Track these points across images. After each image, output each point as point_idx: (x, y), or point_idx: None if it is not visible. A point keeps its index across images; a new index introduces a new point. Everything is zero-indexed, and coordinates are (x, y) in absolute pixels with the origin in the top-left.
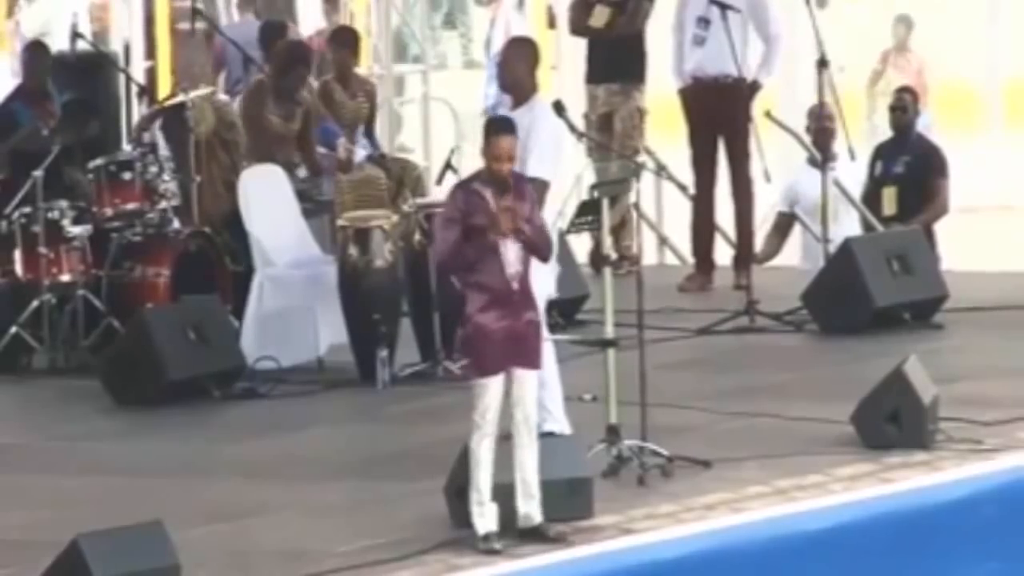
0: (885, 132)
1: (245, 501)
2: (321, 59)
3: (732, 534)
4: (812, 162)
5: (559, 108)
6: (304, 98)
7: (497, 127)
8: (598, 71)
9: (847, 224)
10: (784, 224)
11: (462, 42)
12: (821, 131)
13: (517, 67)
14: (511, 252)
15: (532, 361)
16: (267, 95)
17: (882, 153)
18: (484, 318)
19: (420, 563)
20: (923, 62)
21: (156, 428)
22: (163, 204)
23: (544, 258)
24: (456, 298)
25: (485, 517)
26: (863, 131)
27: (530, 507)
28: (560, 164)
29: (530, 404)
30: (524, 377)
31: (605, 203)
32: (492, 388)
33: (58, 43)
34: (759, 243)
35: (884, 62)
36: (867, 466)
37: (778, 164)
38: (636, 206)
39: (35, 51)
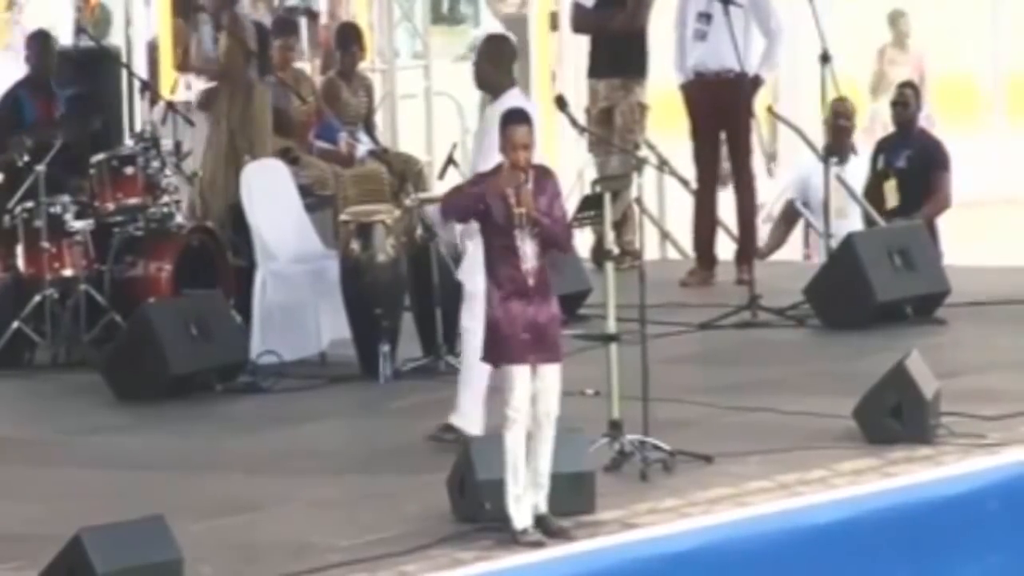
0: (884, 126)
1: (247, 495)
2: (325, 54)
3: (734, 529)
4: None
5: (561, 103)
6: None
7: (512, 118)
8: (600, 66)
9: (853, 219)
10: (791, 214)
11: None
12: (837, 130)
13: (483, 65)
14: (528, 247)
15: (553, 355)
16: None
17: (884, 147)
18: (503, 312)
19: (424, 557)
20: (921, 56)
21: (158, 423)
22: (165, 199)
23: (564, 249)
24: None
25: (522, 510)
26: (862, 126)
27: (538, 497)
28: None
29: (552, 398)
30: (546, 371)
31: (607, 198)
32: (521, 378)
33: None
34: (764, 234)
35: (881, 60)
36: (870, 461)
37: (785, 157)
38: (638, 201)
39: (40, 40)
